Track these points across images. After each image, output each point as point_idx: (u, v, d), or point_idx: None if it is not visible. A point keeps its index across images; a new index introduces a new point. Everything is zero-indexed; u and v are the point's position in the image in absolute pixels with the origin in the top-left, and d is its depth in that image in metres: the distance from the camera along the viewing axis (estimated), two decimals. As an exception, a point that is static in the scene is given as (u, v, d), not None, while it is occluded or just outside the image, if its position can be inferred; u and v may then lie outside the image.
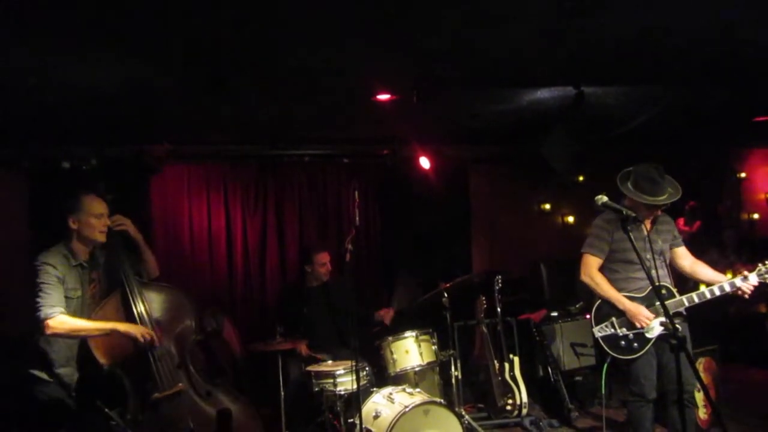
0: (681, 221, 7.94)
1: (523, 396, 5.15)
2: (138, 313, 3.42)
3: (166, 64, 3.84)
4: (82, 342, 3.36)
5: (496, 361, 5.33)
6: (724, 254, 6.97)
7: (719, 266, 3.99)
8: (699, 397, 4.67)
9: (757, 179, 8.60)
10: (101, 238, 3.44)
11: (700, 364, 4.85)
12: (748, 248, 7.27)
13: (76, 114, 4.78)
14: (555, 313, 5.55)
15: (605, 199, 3.63)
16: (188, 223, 6.25)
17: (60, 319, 3.17)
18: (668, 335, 3.68)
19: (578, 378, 5.21)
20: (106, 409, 3.14)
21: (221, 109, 4.94)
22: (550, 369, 5.29)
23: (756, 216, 8.53)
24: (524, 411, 5.14)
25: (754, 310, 6.68)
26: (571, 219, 7.69)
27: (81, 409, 3.32)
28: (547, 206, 7.80)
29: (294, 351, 4.83)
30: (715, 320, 6.35)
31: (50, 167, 5.60)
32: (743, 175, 8.58)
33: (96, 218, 3.41)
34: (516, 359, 5.33)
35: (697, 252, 6.25)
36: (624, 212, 3.39)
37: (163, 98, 4.54)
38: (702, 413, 4.72)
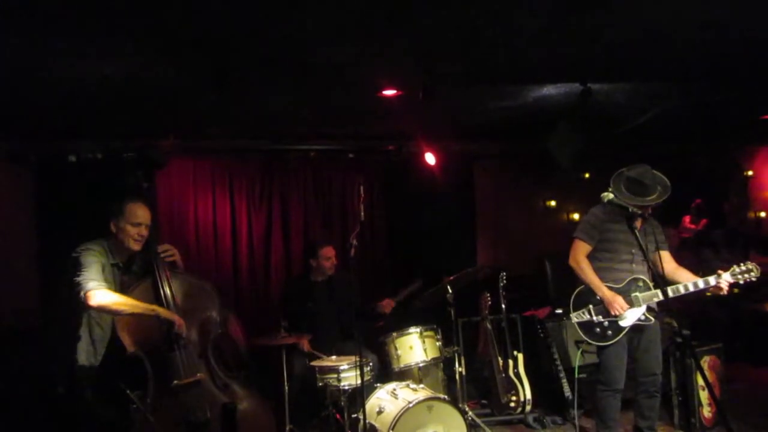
0: (687, 219, 7.93)
1: (527, 393, 5.15)
2: (165, 299, 3.44)
3: (173, 59, 3.84)
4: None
5: (500, 358, 5.33)
6: (717, 254, 6.95)
7: (713, 266, 4.03)
8: (704, 395, 4.68)
9: (764, 177, 8.55)
10: (135, 246, 3.50)
11: (705, 362, 4.85)
12: (741, 247, 7.24)
13: (82, 108, 4.79)
14: (559, 310, 5.54)
15: (611, 196, 3.76)
16: (193, 218, 6.25)
17: (104, 292, 3.23)
18: (643, 326, 3.97)
19: (582, 375, 5.19)
20: (128, 392, 3.18)
21: (227, 104, 4.93)
22: (554, 366, 5.28)
23: (763, 214, 8.49)
24: (528, 408, 5.14)
25: (760, 309, 6.66)
26: (576, 216, 7.67)
27: (102, 390, 3.36)
28: (553, 203, 7.78)
29: (298, 345, 4.84)
30: (721, 319, 6.35)
31: (57, 161, 5.62)
32: (750, 173, 8.54)
33: (133, 226, 3.46)
34: (520, 356, 5.32)
35: (694, 252, 6.28)
36: (630, 209, 3.49)
37: (169, 93, 4.54)
38: (706, 412, 4.71)
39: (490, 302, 5.36)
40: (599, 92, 4.85)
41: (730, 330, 6.39)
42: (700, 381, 4.59)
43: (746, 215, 8.54)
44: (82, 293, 3.20)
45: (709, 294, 3.97)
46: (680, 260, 5.98)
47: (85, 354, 3.39)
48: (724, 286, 3.84)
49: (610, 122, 6.00)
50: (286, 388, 4.50)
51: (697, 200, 7.92)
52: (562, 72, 4.50)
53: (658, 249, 4.02)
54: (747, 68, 4.57)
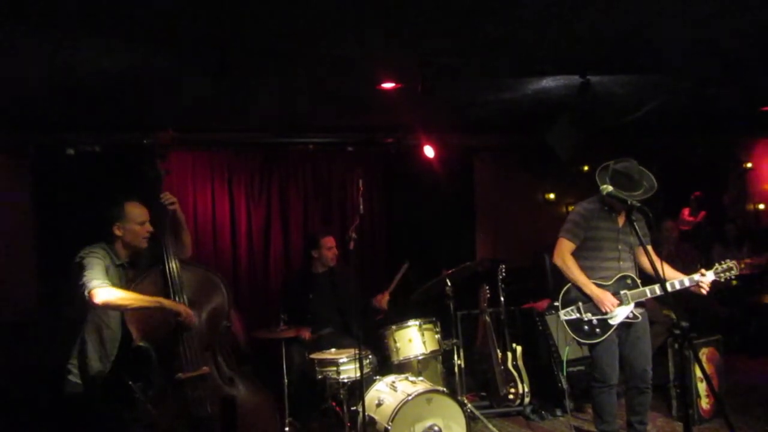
0: (686, 211, 7.93)
1: (526, 385, 5.17)
2: (174, 288, 3.40)
3: (172, 51, 3.83)
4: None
5: (498, 350, 5.34)
6: (727, 249, 6.96)
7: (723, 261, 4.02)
8: (702, 387, 4.69)
9: (763, 170, 8.56)
10: (144, 244, 3.49)
11: (704, 354, 4.86)
12: (749, 241, 7.26)
13: (80, 101, 4.78)
14: (558, 303, 5.55)
15: (610, 188, 3.73)
16: (192, 211, 6.24)
17: (107, 290, 3.20)
18: (630, 322, 3.96)
19: (580, 368, 5.22)
20: (130, 382, 3.17)
21: (226, 97, 4.93)
22: (552, 358, 5.30)
23: (761, 206, 8.50)
24: (526, 400, 5.16)
25: (759, 301, 6.68)
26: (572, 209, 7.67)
27: (107, 381, 3.35)
28: (552, 196, 7.78)
29: (298, 338, 4.85)
30: (719, 311, 6.37)
31: (55, 154, 5.61)
32: (749, 165, 8.55)
33: (139, 225, 3.46)
34: (519, 348, 5.34)
35: (701, 248, 6.25)
36: (629, 202, 3.49)
37: (168, 85, 4.53)
38: (705, 403, 4.73)
39: (489, 295, 5.37)
40: (599, 85, 4.85)
41: (728, 322, 6.41)
42: (699, 373, 4.61)
43: (745, 207, 8.55)
44: (86, 292, 3.17)
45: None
46: (680, 253, 6.02)
47: (97, 356, 3.36)
48: (706, 285, 3.87)
49: (610, 114, 5.99)
50: (286, 381, 4.50)
51: (696, 192, 7.92)
52: (562, 64, 4.49)
53: (641, 244, 4.01)
54: (746, 60, 4.56)
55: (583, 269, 4.02)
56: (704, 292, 3.91)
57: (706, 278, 3.87)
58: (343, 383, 4.25)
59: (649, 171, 4.00)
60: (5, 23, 3.20)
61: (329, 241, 5.18)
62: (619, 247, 4.02)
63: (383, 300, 5.18)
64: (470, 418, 4.35)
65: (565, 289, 4.08)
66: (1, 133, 5.52)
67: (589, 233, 4.05)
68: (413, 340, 4.80)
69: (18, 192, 5.70)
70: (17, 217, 5.67)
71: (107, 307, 3.26)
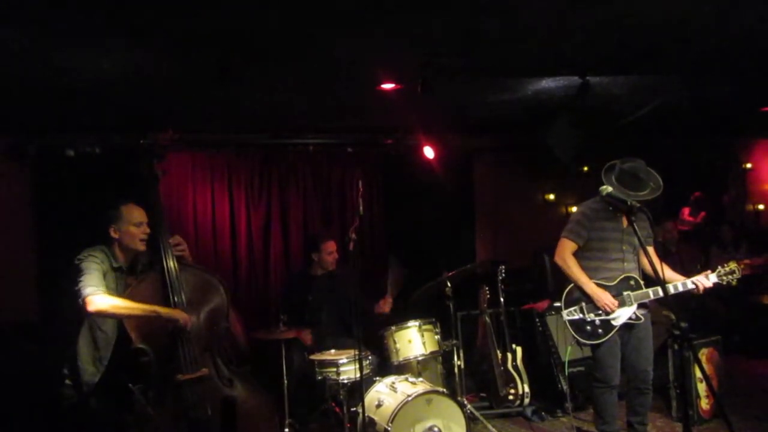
0: (686, 211, 7.93)
1: (525, 386, 5.17)
2: (173, 290, 3.39)
3: (172, 52, 3.83)
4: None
5: (498, 351, 5.34)
6: (724, 250, 6.97)
7: (721, 262, 4.03)
8: (702, 387, 4.69)
9: (762, 170, 8.56)
10: (141, 246, 3.48)
11: (703, 354, 4.87)
12: (746, 242, 7.27)
13: (80, 102, 4.78)
14: (558, 303, 5.55)
15: (610, 189, 3.73)
16: (192, 212, 6.24)
17: (102, 297, 3.19)
18: (633, 324, 3.96)
19: (580, 368, 5.22)
20: (129, 384, 3.17)
21: (226, 98, 4.93)
22: (552, 359, 5.30)
23: (761, 207, 8.51)
24: (526, 401, 5.16)
25: (758, 302, 6.68)
26: (575, 209, 7.66)
27: (104, 383, 3.34)
28: (552, 196, 7.78)
29: (297, 339, 4.85)
30: (719, 311, 6.37)
31: (55, 155, 5.60)
32: (749, 165, 8.55)
33: (135, 226, 3.45)
34: (519, 349, 5.33)
35: (700, 249, 6.26)
36: (629, 202, 3.49)
37: (168, 86, 4.53)
38: (704, 404, 4.73)
39: (488, 296, 5.36)
40: (598, 85, 4.84)
41: (728, 322, 6.41)
42: (698, 373, 4.61)
43: (745, 208, 8.55)
44: (80, 300, 3.17)
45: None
46: (680, 253, 6.02)
47: (90, 359, 3.36)
48: (701, 287, 3.88)
49: (609, 115, 5.99)
50: (286, 381, 4.50)
51: (696, 193, 7.92)
52: (562, 64, 4.48)
53: (640, 244, 3.94)
54: (746, 61, 4.56)
55: (588, 270, 4.01)
56: (699, 292, 3.91)
57: (708, 281, 3.87)
58: (343, 384, 4.25)
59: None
60: (5, 24, 3.20)
61: (330, 246, 5.19)
62: (624, 248, 4.00)
63: (386, 305, 5.18)
64: (470, 419, 4.35)
65: (568, 289, 4.07)
66: (1, 134, 5.52)
67: (593, 234, 4.03)
68: (413, 340, 4.81)
69: (18, 193, 5.69)
70: (17, 218, 5.66)
71: (101, 315, 3.26)
